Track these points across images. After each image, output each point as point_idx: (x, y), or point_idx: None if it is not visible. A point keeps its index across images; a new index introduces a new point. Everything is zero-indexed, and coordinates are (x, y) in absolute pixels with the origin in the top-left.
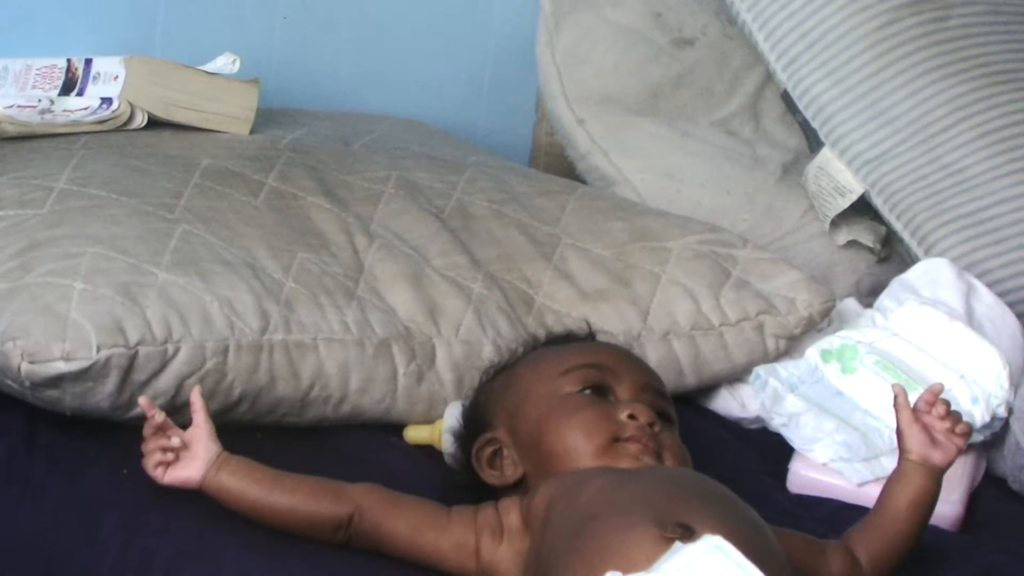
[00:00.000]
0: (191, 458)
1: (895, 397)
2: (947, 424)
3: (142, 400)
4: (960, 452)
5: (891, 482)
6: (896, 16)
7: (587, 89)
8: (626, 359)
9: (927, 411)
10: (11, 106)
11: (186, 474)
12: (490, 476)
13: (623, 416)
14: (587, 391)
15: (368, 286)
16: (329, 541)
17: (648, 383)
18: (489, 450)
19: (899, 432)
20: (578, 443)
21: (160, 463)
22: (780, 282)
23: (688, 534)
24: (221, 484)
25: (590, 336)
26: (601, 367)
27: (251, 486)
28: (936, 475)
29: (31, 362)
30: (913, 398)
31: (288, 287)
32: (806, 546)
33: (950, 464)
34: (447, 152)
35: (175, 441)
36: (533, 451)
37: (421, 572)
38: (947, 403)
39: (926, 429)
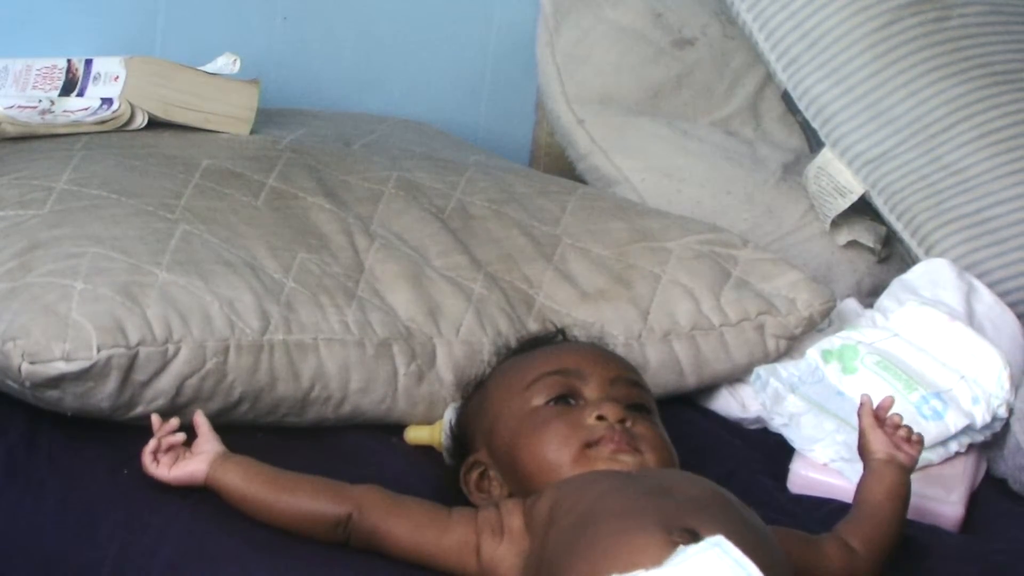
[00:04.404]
0: (196, 454)
1: (860, 405)
2: (902, 433)
3: (153, 417)
4: (915, 461)
5: (863, 481)
6: (896, 16)
7: (587, 89)
8: (592, 356)
9: (880, 424)
10: (11, 106)
11: (192, 467)
12: (479, 499)
13: (591, 419)
14: (554, 401)
15: (368, 286)
16: (328, 539)
17: (618, 376)
18: (475, 473)
19: (863, 435)
20: (551, 458)
21: (166, 449)
22: (780, 282)
23: (694, 539)
24: (225, 479)
25: (560, 335)
26: (566, 371)
27: (254, 481)
28: (905, 471)
29: (32, 362)
30: (914, 398)
31: (288, 287)
32: (802, 542)
33: (914, 466)
34: (447, 152)
35: (180, 436)
36: (512, 470)
37: (421, 572)
38: (899, 416)
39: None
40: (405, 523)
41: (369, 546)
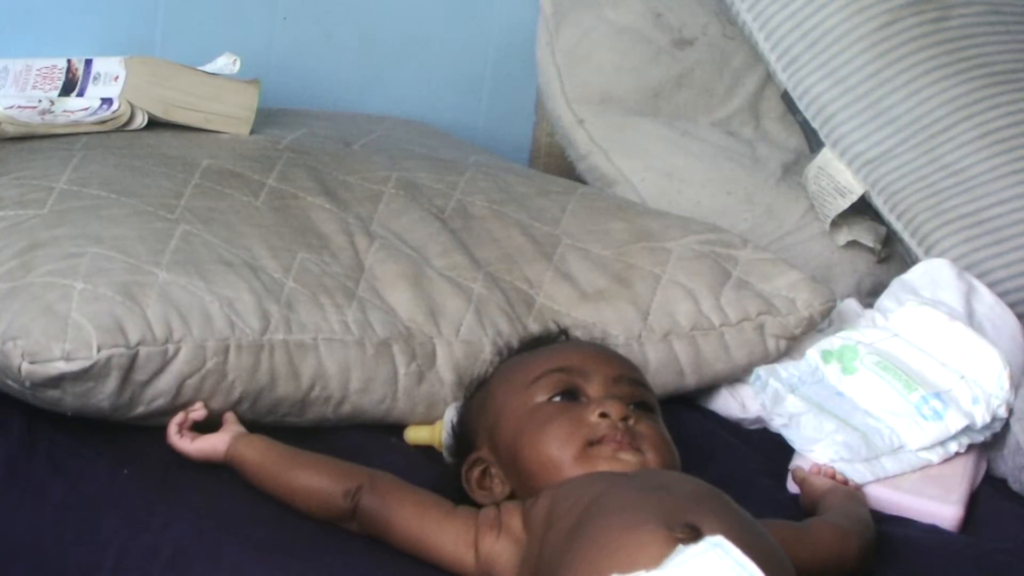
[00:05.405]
0: (218, 432)
1: (791, 475)
2: (839, 477)
3: (171, 427)
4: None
5: (821, 505)
6: (896, 16)
7: (587, 89)
8: (595, 355)
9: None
10: (11, 107)
11: (214, 440)
12: (480, 496)
13: (594, 416)
14: (557, 398)
15: (368, 286)
16: (336, 512)
17: (621, 374)
18: (477, 470)
19: (805, 488)
20: (553, 454)
21: (188, 420)
22: (780, 282)
23: (695, 535)
24: (243, 451)
25: (563, 335)
26: (569, 369)
27: (271, 454)
28: (847, 488)
29: (32, 362)
30: (914, 398)
31: (288, 287)
32: (794, 532)
33: (858, 490)
34: (447, 152)
35: (204, 411)
36: (514, 467)
37: (420, 572)
38: (831, 469)
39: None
40: (411, 503)
41: (373, 524)
